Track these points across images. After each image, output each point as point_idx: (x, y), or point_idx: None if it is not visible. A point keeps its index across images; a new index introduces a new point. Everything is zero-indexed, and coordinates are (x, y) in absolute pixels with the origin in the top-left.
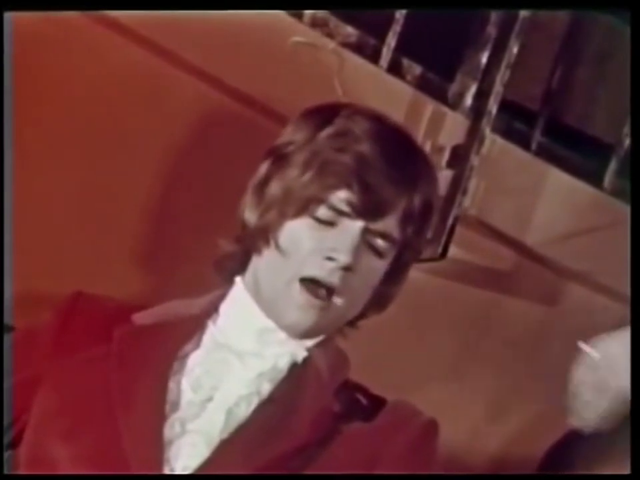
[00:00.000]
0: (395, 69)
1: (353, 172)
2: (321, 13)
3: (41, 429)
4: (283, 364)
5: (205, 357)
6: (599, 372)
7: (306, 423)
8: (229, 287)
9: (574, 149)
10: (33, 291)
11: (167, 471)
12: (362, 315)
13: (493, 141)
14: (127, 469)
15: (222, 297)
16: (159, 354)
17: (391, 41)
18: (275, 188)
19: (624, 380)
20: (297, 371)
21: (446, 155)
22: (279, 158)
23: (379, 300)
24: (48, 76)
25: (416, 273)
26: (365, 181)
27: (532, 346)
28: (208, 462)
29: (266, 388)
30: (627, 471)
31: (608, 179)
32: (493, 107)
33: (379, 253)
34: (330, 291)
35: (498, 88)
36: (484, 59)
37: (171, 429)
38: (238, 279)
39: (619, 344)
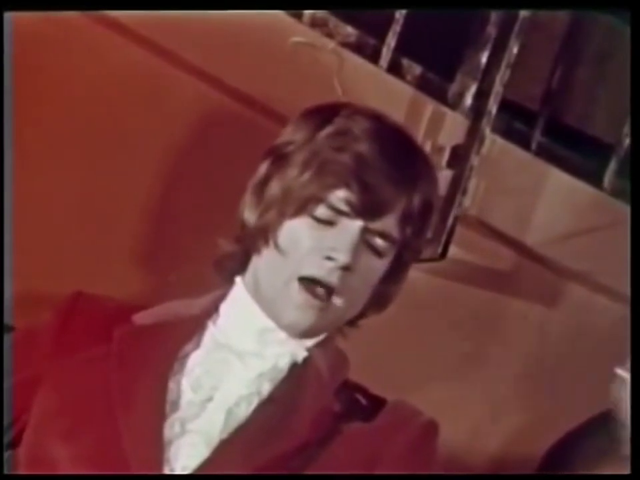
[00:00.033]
0: (394, 68)
1: (352, 171)
2: (320, 13)
3: (41, 429)
4: (283, 364)
5: (205, 357)
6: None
7: (306, 422)
8: (229, 287)
9: (574, 149)
10: (32, 291)
11: (166, 471)
12: (362, 315)
13: (492, 141)
14: (127, 469)
15: (222, 297)
16: (159, 354)
17: (391, 40)
18: (274, 188)
19: None
20: (297, 371)
21: (446, 155)
22: (279, 158)
23: (379, 300)
24: (48, 76)
25: (416, 273)
26: (364, 181)
27: (532, 346)
28: (208, 462)
29: (266, 388)
30: (627, 471)
31: (608, 179)
32: (492, 106)
33: (378, 253)
34: (329, 290)
35: (498, 88)
36: (484, 58)
37: (170, 428)
38: (238, 279)
39: None
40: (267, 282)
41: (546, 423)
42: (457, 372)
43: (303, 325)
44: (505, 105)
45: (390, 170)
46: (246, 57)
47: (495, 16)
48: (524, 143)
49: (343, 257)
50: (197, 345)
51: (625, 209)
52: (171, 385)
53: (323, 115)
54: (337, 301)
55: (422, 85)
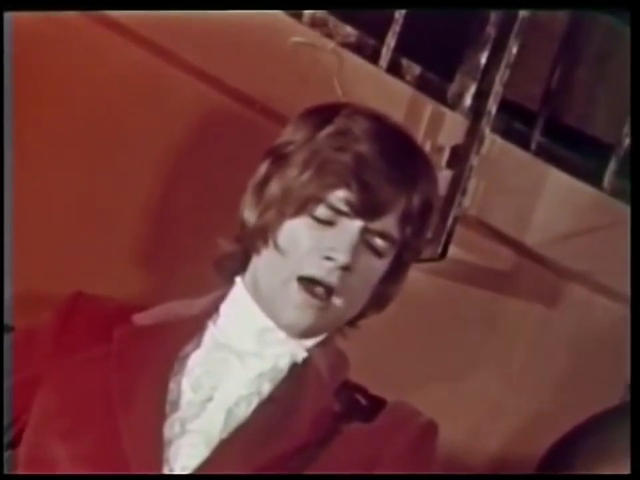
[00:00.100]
0: (394, 69)
1: (352, 171)
2: (320, 13)
3: (41, 428)
4: (283, 364)
5: (205, 356)
6: None
7: (306, 422)
8: (229, 287)
9: (574, 149)
10: (33, 291)
11: (166, 471)
12: (361, 315)
13: (492, 141)
14: (127, 469)
15: (222, 297)
16: (159, 354)
17: (391, 41)
18: (274, 187)
19: None
20: (297, 371)
21: (445, 155)
22: (279, 158)
23: (379, 300)
24: (48, 76)
25: (416, 273)
26: (364, 181)
27: (532, 346)
28: (207, 462)
29: (266, 388)
30: (627, 470)
31: (608, 179)
32: (492, 107)
33: (378, 253)
34: (328, 290)
35: (497, 88)
36: (483, 59)
37: (170, 428)
38: (238, 279)
39: None
40: (266, 282)
41: (546, 423)
42: (456, 372)
43: (302, 325)
44: (504, 105)
45: (390, 170)
46: (246, 57)
47: (494, 16)
48: (523, 143)
49: (342, 257)
50: (197, 345)
51: (624, 209)
52: (171, 385)
53: (323, 114)
54: (337, 301)
55: (421, 85)
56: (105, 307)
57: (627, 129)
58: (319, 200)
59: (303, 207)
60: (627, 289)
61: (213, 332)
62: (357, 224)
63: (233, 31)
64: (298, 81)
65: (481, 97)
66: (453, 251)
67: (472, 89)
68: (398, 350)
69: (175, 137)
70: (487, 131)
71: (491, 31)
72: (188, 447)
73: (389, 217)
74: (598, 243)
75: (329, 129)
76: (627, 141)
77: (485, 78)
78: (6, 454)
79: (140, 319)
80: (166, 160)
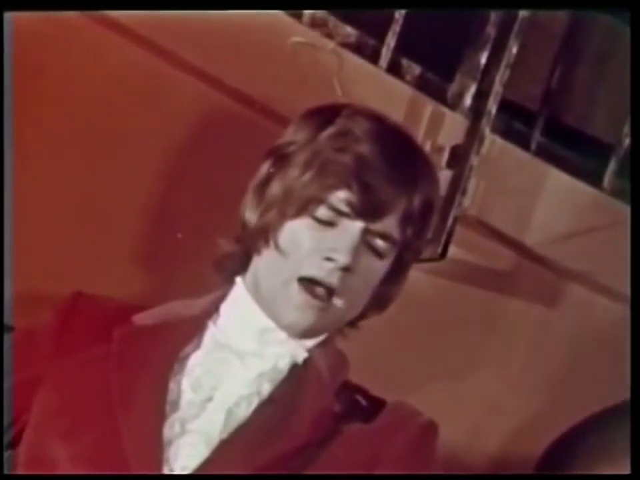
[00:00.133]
0: (394, 69)
1: (353, 172)
2: (320, 13)
3: (41, 428)
4: (284, 364)
5: (205, 357)
6: None
7: (306, 423)
8: (229, 287)
9: (573, 149)
10: (33, 291)
11: (166, 471)
12: (362, 316)
13: (492, 141)
14: (127, 469)
15: (222, 298)
16: (159, 354)
17: (391, 41)
18: (275, 188)
19: None
20: (297, 372)
21: (445, 155)
22: (280, 158)
23: (379, 300)
24: (48, 76)
25: (416, 273)
26: (365, 182)
27: (532, 346)
28: (207, 462)
29: (266, 388)
30: (626, 470)
31: (608, 179)
32: (492, 107)
33: (378, 254)
34: (329, 291)
35: (497, 88)
36: (483, 59)
37: (170, 428)
38: (238, 279)
39: None
40: (267, 282)
41: (546, 423)
42: (456, 372)
43: (302, 325)
44: (504, 105)
45: (391, 171)
46: (246, 57)
47: (494, 16)
48: (523, 143)
49: (343, 258)
50: (197, 345)
51: (624, 209)
52: (171, 385)
53: (324, 115)
54: (337, 301)
55: (421, 85)
56: (105, 307)
57: (627, 129)
58: (320, 201)
59: (304, 207)
60: (627, 289)
61: (213, 332)
62: (357, 225)
63: (233, 31)
64: (298, 81)
65: (481, 97)
66: (452, 251)
67: (472, 89)
68: (398, 350)
69: (174, 137)
70: (487, 131)
71: (491, 30)
72: (188, 447)
73: (389, 217)
74: (598, 243)
75: (330, 130)
76: (627, 141)
77: (485, 78)
78: (6, 454)
79: (140, 319)
80: (166, 160)
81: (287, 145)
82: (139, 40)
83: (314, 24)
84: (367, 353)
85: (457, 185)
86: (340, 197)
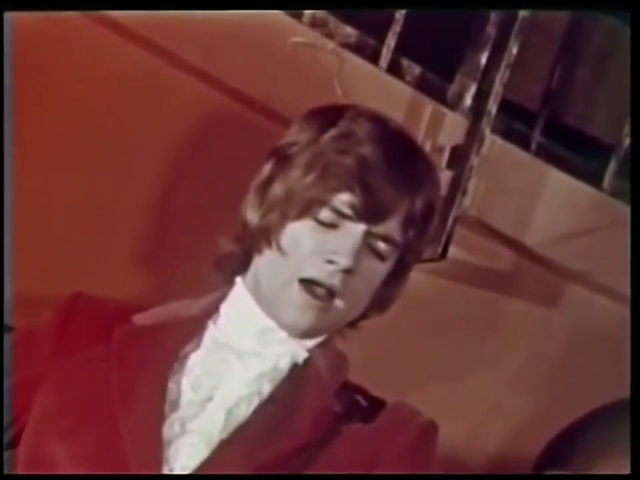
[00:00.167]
0: (394, 69)
1: (355, 175)
2: (320, 13)
3: (41, 428)
4: (284, 364)
5: (205, 356)
6: None
7: (306, 423)
8: (229, 287)
9: (574, 149)
10: (33, 291)
11: (165, 471)
12: (363, 316)
13: (492, 141)
14: (127, 469)
15: (222, 298)
16: (159, 354)
17: (391, 41)
18: (277, 188)
19: None
20: (297, 372)
21: (445, 156)
22: (282, 158)
23: (380, 301)
24: (48, 76)
25: (416, 274)
26: (368, 184)
27: (532, 346)
28: (207, 462)
29: (266, 388)
30: (626, 468)
31: (608, 179)
32: (492, 107)
33: (380, 256)
34: (330, 291)
35: (497, 88)
36: (483, 59)
37: (170, 428)
38: (238, 280)
39: None
40: (267, 282)
41: (546, 423)
42: (457, 372)
43: (303, 325)
44: (504, 105)
45: (393, 174)
46: (246, 57)
47: (494, 16)
48: (524, 143)
49: (344, 261)
50: (197, 345)
51: (624, 210)
52: (171, 384)
53: (326, 117)
54: (338, 303)
55: (422, 85)
56: (104, 308)
57: (627, 129)
58: (322, 203)
59: (306, 209)
60: (627, 289)
61: (213, 332)
62: (360, 227)
63: (233, 31)
64: (298, 81)
65: (481, 97)
66: (453, 251)
67: (472, 89)
68: (398, 350)
69: (174, 137)
70: (487, 131)
71: (491, 31)
72: (188, 447)
73: (391, 220)
74: (598, 243)
75: (332, 132)
76: (627, 141)
77: (485, 78)
78: (6, 454)
79: (140, 319)
80: (166, 160)
81: (289, 146)
82: (138, 40)
83: (314, 24)
84: (367, 353)
85: (457, 186)
86: (342, 199)
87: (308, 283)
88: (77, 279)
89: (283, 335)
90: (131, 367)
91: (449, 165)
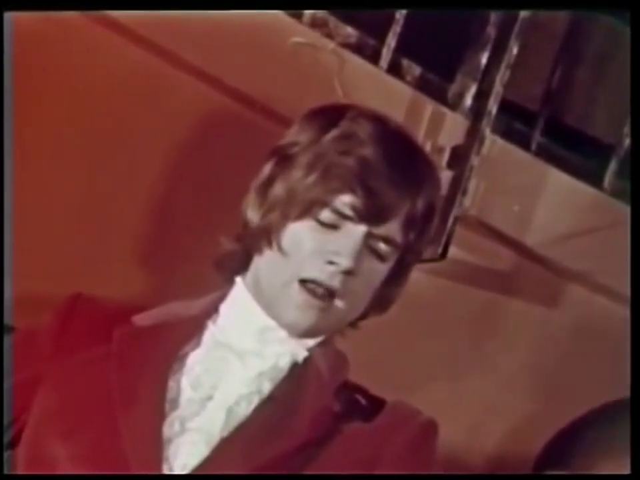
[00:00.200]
0: (394, 69)
1: (357, 176)
2: (320, 14)
3: (41, 428)
4: (284, 363)
5: (204, 355)
6: None
7: (306, 422)
8: (229, 287)
9: (574, 150)
10: (33, 291)
11: (165, 469)
12: (363, 316)
13: (492, 142)
14: (127, 469)
15: (222, 298)
16: (158, 354)
17: (391, 41)
18: (278, 188)
19: None
20: (297, 371)
21: (446, 156)
22: (283, 158)
23: (380, 302)
24: (48, 76)
25: (416, 274)
26: (369, 186)
27: (532, 346)
28: (207, 460)
29: (266, 387)
30: (626, 468)
31: (608, 179)
32: (492, 107)
33: (380, 257)
34: (330, 292)
35: (498, 88)
36: (484, 59)
37: (170, 427)
38: (238, 279)
39: None
40: (268, 282)
41: (545, 423)
42: (457, 372)
43: (303, 325)
44: (504, 106)
45: (395, 175)
46: (246, 57)
47: (494, 16)
48: (524, 144)
49: (345, 262)
50: (197, 345)
51: (625, 210)
52: (171, 383)
53: (327, 117)
54: (339, 303)
55: (422, 85)
56: (104, 308)
57: (627, 129)
58: (323, 204)
59: (307, 210)
60: (626, 289)
61: (213, 331)
62: (361, 229)
63: (233, 31)
64: (298, 81)
65: (482, 97)
66: (453, 251)
67: (472, 89)
68: (398, 350)
69: (175, 137)
70: (487, 132)
71: (491, 31)
72: (188, 446)
73: (392, 221)
74: (598, 243)
75: (334, 132)
76: (627, 141)
77: (486, 78)
78: (6, 454)
79: (140, 319)
80: (166, 160)
81: (290, 146)
82: (139, 40)
83: (314, 24)
84: (367, 353)
85: (457, 186)
86: (344, 200)
87: (308, 283)
88: (77, 279)
89: (282, 334)
90: (130, 366)
91: (449, 165)
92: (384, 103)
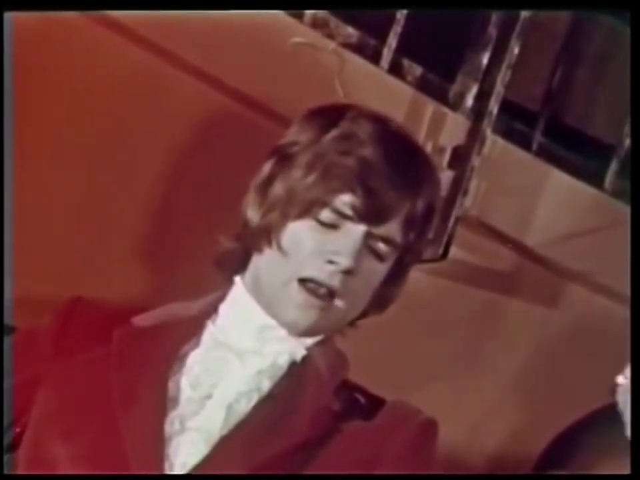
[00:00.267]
0: (395, 69)
1: (357, 176)
2: (321, 14)
3: (41, 428)
4: (283, 361)
5: (204, 355)
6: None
7: (306, 420)
8: (228, 288)
9: (574, 150)
10: (33, 292)
11: (166, 467)
12: (362, 316)
13: (493, 142)
14: (127, 469)
15: (221, 298)
16: (158, 354)
17: (392, 41)
18: (278, 188)
19: None
20: (296, 370)
21: (447, 156)
22: (283, 158)
23: (380, 301)
24: (48, 76)
25: (416, 274)
26: (369, 186)
27: (532, 346)
28: (207, 459)
29: (266, 385)
30: (626, 468)
31: (608, 179)
32: (493, 107)
33: (380, 257)
34: (330, 292)
35: (499, 88)
36: (485, 59)
37: (170, 426)
38: (237, 279)
39: None
40: (267, 281)
41: (545, 423)
42: (457, 372)
43: (303, 324)
44: (505, 106)
45: (395, 175)
46: (246, 57)
47: (495, 16)
48: (525, 144)
49: (345, 261)
50: (196, 344)
51: (625, 210)
52: (170, 383)
53: (328, 117)
54: (338, 302)
55: (423, 85)
56: (104, 310)
57: (627, 130)
58: (323, 203)
59: (307, 209)
60: (627, 289)
61: (212, 331)
62: (360, 229)
63: (233, 31)
64: (299, 81)
65: (482, 97)
66: (453, 251)
67: (473, 89)
68: (398, 350)
69: (175, 137)
70: (488, 132)
71: (492, 31)
72: (187, 444)
73: (392, 222)
74: (598, 244)
75: (334, 132)
76: (627, 142)
77: (486, 78)
78: (6, 455)
79: (139, 320)
80: (166, 160)
81: (290, 145)
82: (139, 40)
83: (315, 24)
84: (367, 353)
85: (458, 186)
86: (344, 200)
87: (308, 283)
88: (77, 279)
89: (282, 332)
90: (130, 366)
91: (450, 165)
92: (385, 103)
